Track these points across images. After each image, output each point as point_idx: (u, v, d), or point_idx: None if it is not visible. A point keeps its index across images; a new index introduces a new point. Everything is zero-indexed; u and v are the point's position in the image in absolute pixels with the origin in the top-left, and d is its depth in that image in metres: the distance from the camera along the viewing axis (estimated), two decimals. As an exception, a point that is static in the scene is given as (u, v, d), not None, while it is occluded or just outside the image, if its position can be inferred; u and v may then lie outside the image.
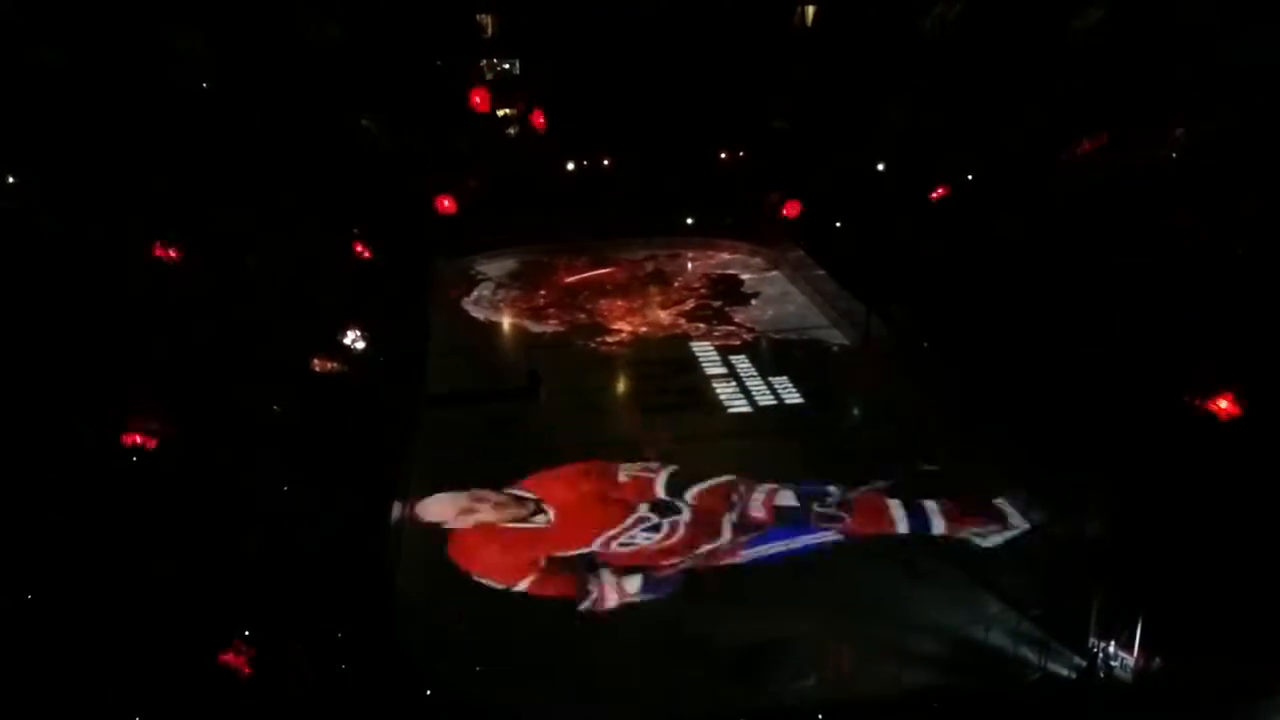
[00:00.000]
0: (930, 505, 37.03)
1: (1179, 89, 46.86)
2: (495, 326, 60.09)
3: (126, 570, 27.39)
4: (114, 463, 31.18)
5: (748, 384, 49.17)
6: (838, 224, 62.85)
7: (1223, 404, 32.47)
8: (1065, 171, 49.62)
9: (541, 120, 61.96)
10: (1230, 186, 40.73)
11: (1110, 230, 43.31)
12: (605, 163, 76.32)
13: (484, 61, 76.32)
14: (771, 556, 34.50)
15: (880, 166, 63.32)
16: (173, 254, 41.93)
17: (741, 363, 51.51)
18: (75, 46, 49.86)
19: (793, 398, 47.69)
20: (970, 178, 56.91)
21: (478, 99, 65.19)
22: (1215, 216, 40.15)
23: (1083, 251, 43.50)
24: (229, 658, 25.37)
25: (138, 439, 31.63)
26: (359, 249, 54.45)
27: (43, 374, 32.65)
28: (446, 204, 60.20)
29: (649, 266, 68.96)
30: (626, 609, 31.82)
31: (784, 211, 64.64)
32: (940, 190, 56.39)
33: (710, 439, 43.59)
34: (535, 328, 58.86)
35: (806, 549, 34.91)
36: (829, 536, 35.52)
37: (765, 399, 47.67)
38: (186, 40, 55.93)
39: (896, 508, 37.13)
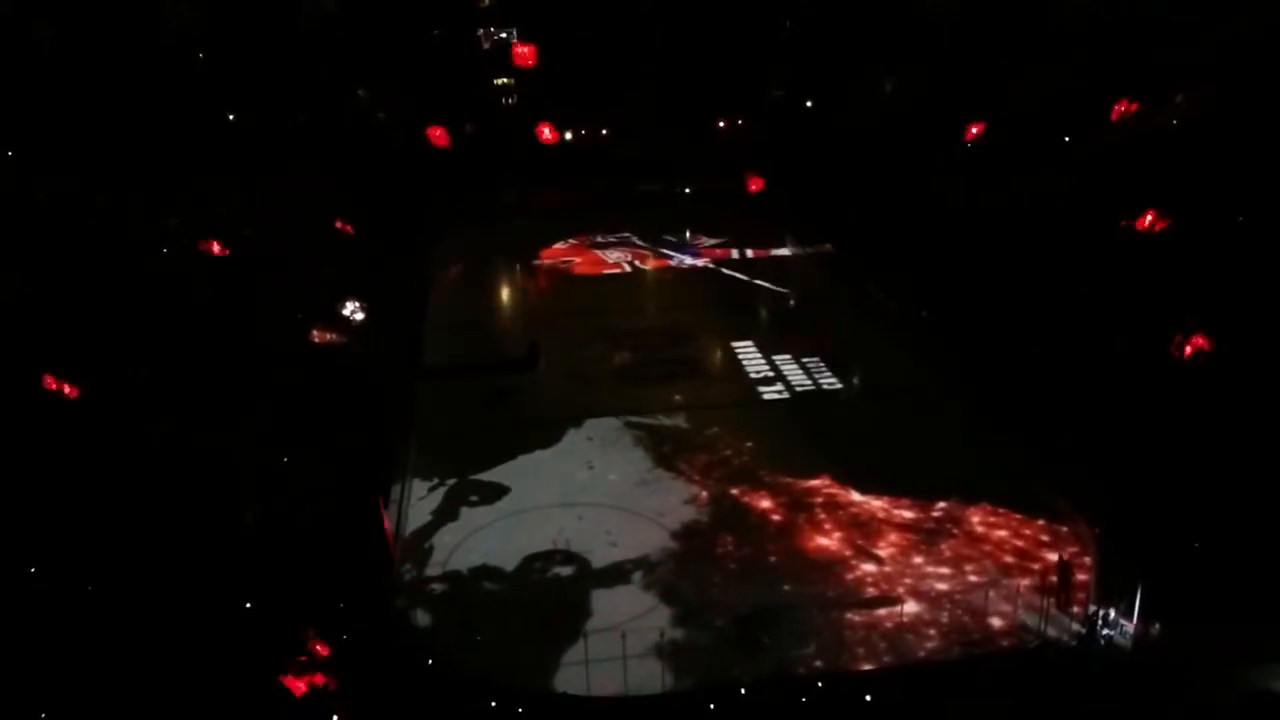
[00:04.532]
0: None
1: (1180, 57, 46.85)
2: (493, 299, 60.08)
3: (126, 544, 27.48)
4: (111, 436, 31.22)
5: (744, 355, 49.39)
6: (834, 198, 62.89)
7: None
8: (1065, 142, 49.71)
9: (549, 135, 61.31)
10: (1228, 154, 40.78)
11: (1107, 199, 43.37)
12: (603, 132, 76.24)
13: (481, 31, 75.96)
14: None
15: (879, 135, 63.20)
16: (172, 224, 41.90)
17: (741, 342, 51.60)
18: (68, 21, 49.72)
19: (788, 366, 47.80)
20: (968, 145, 56.79)
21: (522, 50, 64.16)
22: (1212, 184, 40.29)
23: (1079, 221, 43.61)
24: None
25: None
26: (340, 225, 53.95)
27: (41, 352, 32.69)
28: (438, 134, 59.44)
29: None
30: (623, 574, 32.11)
31: (749, 186, 64.44)
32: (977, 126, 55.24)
33: (711, 409, 43.67)
34: (529, 299, 58.95)
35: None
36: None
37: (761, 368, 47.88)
38: (178, 12, 55.76)
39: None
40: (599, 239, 69.24)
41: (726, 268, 63.03)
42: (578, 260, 65.74)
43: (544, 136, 57.79)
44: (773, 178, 64.98)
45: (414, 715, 25.79)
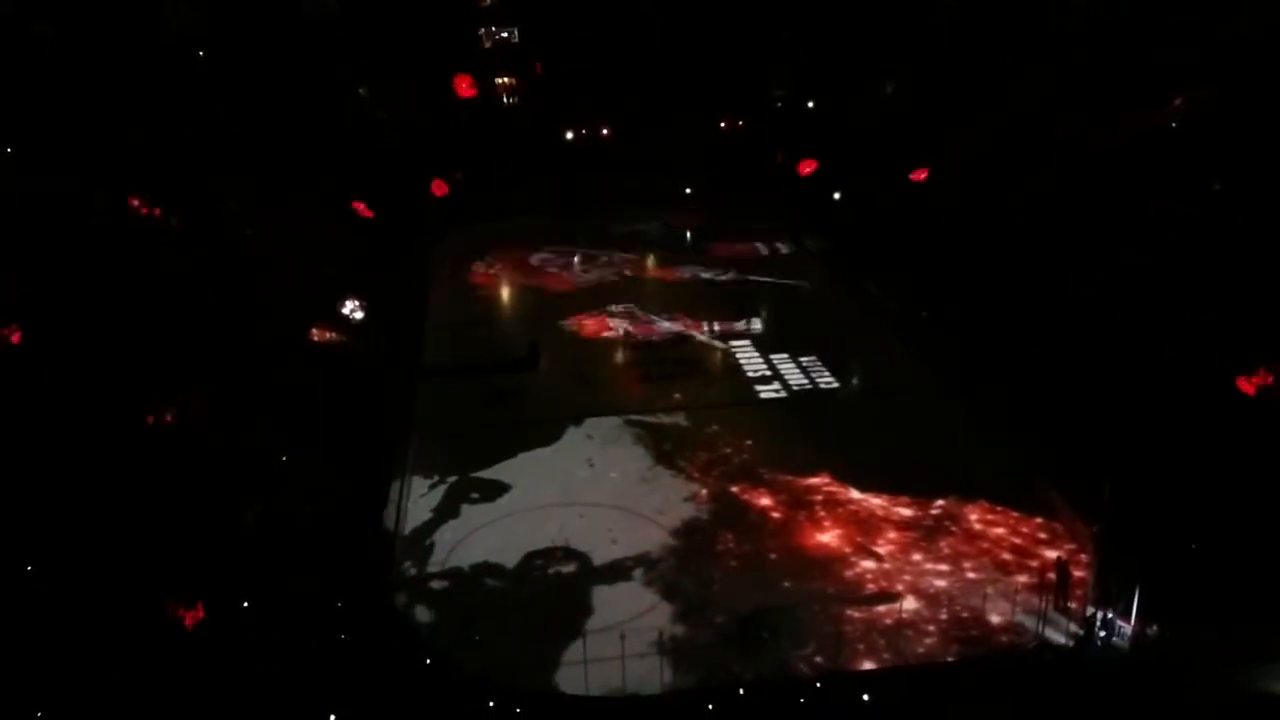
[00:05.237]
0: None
1: (1179, 58, 46.92)
2: (493, 297, 60.15)
3: (125, 544, 27.47)
4: (114, 435, 31.18)
5: (743, 354, 49.43)
6: (836, 195, 62.95)
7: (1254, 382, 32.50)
8: (1067, 141, 49.73)
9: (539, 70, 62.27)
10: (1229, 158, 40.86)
11: (1111, 200, 43.45)
12: (604, 131, 76.24)
13: (482, 30, 75.97)
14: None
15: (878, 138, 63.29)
16: (171, 223, 41.97)
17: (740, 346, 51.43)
18: (68, 21, 49.73)
19: (786, 365, 47.83)
20: (970, 149, 56.92)
21: (464, 85, 65.64)
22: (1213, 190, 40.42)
23: (1079, 221, 43.69)
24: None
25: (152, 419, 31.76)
26: (360, 208, 54.48)
27: (47, 348, 32.69)
28: (438, 187, 61.52)
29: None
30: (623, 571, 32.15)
31: (799, 169, 64.22)
32: (923, 172, 56.35)
33: (711, 407, 43.69)
34: (529, 298, 59.05)
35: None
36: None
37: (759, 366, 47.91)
38: (178, 12, 55.87)
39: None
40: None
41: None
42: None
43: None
44: (776, 176, 65.50)
45: (414, 715, 25.81)
